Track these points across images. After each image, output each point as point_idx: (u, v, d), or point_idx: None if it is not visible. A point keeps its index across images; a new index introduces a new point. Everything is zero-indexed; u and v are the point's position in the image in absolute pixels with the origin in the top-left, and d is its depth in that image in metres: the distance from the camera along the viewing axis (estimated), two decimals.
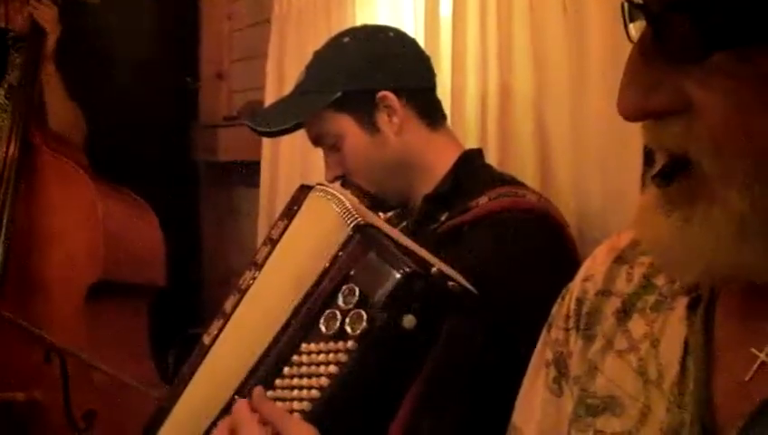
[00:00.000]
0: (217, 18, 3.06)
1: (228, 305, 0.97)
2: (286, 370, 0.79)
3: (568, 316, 0.79)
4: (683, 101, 0.56)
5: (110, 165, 2.36)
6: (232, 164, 2.95)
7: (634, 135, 1.39)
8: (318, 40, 1.86)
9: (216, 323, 0.97)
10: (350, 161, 1.43)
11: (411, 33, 1.94)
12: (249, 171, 2.68)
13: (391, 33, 1.51)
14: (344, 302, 0.76)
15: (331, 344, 0.75)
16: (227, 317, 0.96)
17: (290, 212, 0.99)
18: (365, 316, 0.73)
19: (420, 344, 0.75)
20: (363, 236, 0.80)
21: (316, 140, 1.48)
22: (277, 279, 0.93)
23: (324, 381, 0.75)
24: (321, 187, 0.99)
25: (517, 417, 0.84)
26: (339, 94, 1.40)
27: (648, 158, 0.64)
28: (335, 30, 2.00)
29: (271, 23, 2.49)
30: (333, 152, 1.45)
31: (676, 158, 0.58)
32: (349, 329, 0.74)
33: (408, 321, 0.72)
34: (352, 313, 0.74)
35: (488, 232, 1.26)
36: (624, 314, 0.73)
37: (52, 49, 2.31)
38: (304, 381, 0.77)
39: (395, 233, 0.96)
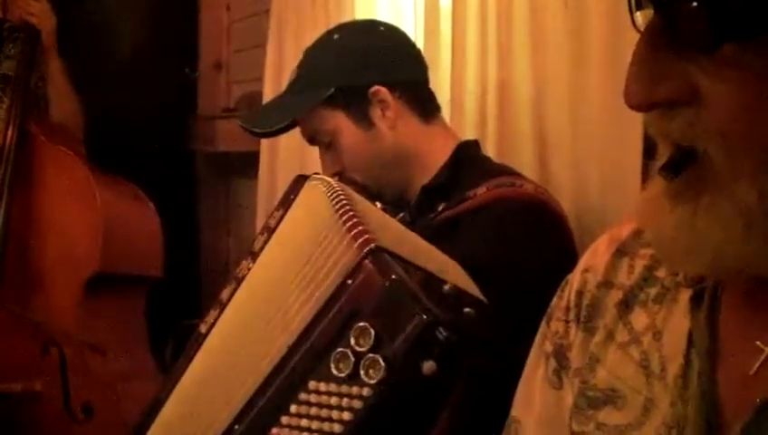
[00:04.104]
0: (216, 8, 3.05)
1: (225, 294, 0.96)
2: (293, 408, 0.75)
3: (568, 308, 0.78)
4: (691, 92, 0.56)
5: (109, 156, 2.34)
6: (230, 155, 2.95)
7: (633, 127, 1.39)
8: (317, 30, 1.85)
9: (213, 313, 0.96)
10: (346, 157, 1.43)
11: (410, 23, 1.94)
12: (247, 162, 2.67)
13: (382, 28, 1.51)
14: (356, 343, 0.71)
15: (344, 388, 0.71)
16: (224, 306, 0.95)
17: (287, 201, 0.98)
18: (382, 363, 0.69)
19: (440, 388, 0.71)
20: (375, 263, 0.74)
21: (311, 139, 1.49)
22: (273, 268, 0.93)
23: (337, 427, 0.71)
24: (318, 176, 0.98)
25: (516, 409, 0.83)
26: (331, 91, 1.40)
27: (648, 150, 0.63)
28: (334, 20, 2.00)
29: (270, 13, 2.48)
30: (329, 150, 1.46)
31: (682, 149, 0.57)
32: (364, 375, 0.70)
33: (429, 367, 0.68)
34: (367, 357, 0.70)
35: (487, 221, 1.26)
36: (626, 306, 0.73)
37: (52, 42, 2.30)
38: (314, 425, 0.73)
39: (397, 233, 0.94)
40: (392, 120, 1.40)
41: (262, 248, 0.96)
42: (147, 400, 0.99)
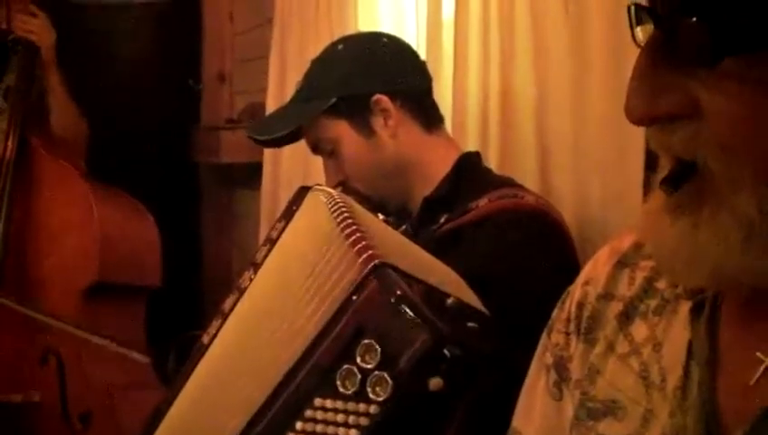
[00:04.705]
0: (219, 19, 3.05)
1: (227, 305, 0.96)
2: (299, 425, 0.75)
3: (568, 320, 0.78)
4: (692, 106, 0.56)
5: (112, 167, 2.35)
6: (234, 166, 2.95)
7: (634, 139, 1.39)
8: (320, 41, 1.86)
9: (215, 323, 0.96)
10: (348, 166, 1.45)
11: (413, 35, 1.94)
12: (251, 173, 2.67)
13: (385, 39, 1.53)
14: (362, 360, 0.71)
15: (350, 405, 0.71)
16: (226, 316, 0.95)
17: (289, 213, 0.98)
18: (389, 381, 0.69)
19: (447, 404, 0.72)
20: (379, 280, 0.74)
21: (315, 147, 1.51)
22: (275, 279, 0.93)
23: None
24: (320, 187, 0.99)
25: (517, 420, 0.83)
26: (334, 100, 1.42)
27: (650, 162, 0.63)
28: (337, 31, 2.00)
29: (273, 24, 2.49)
30: (332, 159, 1.47)
31: (683, 163, 0.58)
32: (370, 392, 0.70)
33: (435, 384, 0.68)
34: (374, 375, 0.70)
35: (489, 232, 1.26)
36: (626, 317, 0.73)
37: (52, 56, 2.31)
38: None
39: (398, 245, 0.94)
40: (393, 129, 1.42)
41: (264, 259, 0.96)
42: (145, 409, 0.99)
